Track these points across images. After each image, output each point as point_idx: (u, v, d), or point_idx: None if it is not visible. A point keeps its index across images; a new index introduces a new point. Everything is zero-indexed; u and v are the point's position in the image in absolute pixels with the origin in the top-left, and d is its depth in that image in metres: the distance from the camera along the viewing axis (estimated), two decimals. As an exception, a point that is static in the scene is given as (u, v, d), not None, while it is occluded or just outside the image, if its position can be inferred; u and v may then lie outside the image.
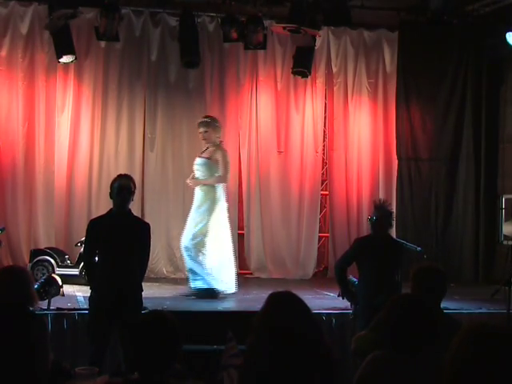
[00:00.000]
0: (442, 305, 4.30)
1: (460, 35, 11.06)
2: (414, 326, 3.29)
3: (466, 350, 2.38)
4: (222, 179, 8.72)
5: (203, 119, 9.01)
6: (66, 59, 9.70)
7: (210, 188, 8.59)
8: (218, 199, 8.65)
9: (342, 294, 6.86)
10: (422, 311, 3.35)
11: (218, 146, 8.81)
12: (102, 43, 10.21)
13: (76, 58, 9.78)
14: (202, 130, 8.80)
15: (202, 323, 6.97)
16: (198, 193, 8.67)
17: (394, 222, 6.87)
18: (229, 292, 8.70)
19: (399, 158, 11.19)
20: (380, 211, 6.52)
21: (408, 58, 11.15)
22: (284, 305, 3.20)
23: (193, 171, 8.83)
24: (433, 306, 3.65)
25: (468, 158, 11.28)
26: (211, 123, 8.84)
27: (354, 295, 6.64)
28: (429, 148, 11.29)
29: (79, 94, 10.41)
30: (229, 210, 9.07)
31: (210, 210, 8.58)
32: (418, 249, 8.48)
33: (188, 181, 8.83)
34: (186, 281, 10.23)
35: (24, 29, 10.17)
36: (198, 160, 8.82)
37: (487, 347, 2.35)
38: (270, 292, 3.38)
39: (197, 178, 8.76)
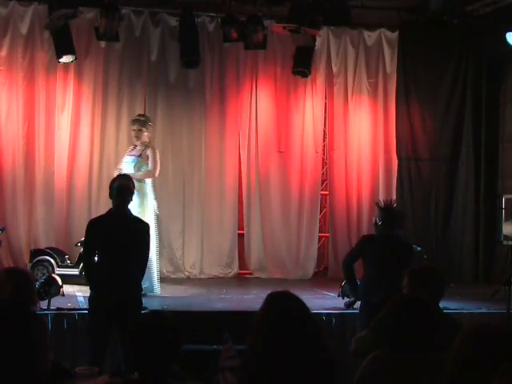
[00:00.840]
0: (442, 305, 4.30)
1: (460, 35, 11.06)
2: (414, 326, 3.29)
3: (466, 350, 2.38)
4: (151, 174, 8.65)
5: (138, 117, 9.02)
6: (66, 59, 9.70)
7: (139, 183, 8.31)
8: (147, 194, 8.58)
9: (350, 290, 6.94)
10: (422, 311, 3.35)
11: (149, 144, 8.81)
12: (102, 43, 10.21)
13: (76, 58, 9.78)
14: (135, 127, 8.76)
15: (201, 323, 6.96)
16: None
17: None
18: (150, 294, 8.44)
19: (399, 158, 11.18)
20: (384, 212, 6.50)
21: (408, 58, 11.15)
22: (283, 305, 3.19)
23: (120, 169, 8.50)
24: (432, 307, 3.64)
25: (468, 158, 11.27)
26: (146, 122, 8.85)
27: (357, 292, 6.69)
28: (429, 148, 11.29)
29: (79, 94, 10.41)
30: (159, 208, 8.93)
31: (142, 206, 8.43)
32: (418, 249, 8.51)
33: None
34: (186, 281, 10.29)
35: (24, 29, 10.16)
36: (127, 158, 8.73)
37: (488, 347, 2.35)
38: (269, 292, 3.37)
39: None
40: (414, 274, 4.28)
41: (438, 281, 4.28)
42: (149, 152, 8.72)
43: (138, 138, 8.73)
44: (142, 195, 8.44)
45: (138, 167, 8.61)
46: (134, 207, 8.15)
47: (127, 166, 8.61)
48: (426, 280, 4.20)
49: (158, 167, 8.81)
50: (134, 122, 8.86)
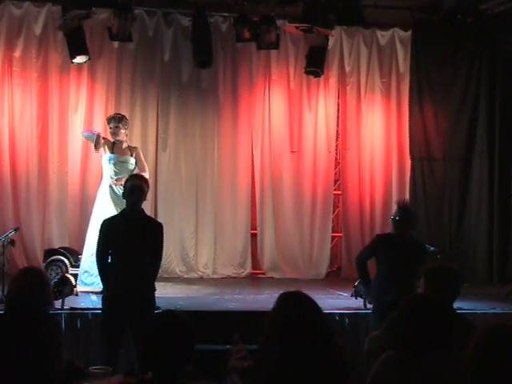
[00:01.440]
0: (456, 305, 4.28)
1: (474, 34, 11.02)
2: (428, 327, 3.28)
3: (481, 351, 2.37)
4: (147, 174, 8.43)
5: (115, 115, 8.95)
6: (79, 59, 9.72)
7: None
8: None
9: (364, 288, 6.94)
10: (436, 311, 3.34)
11: (128, 143, 8.82)
12: (115, 43, 10.23)
13: (89, 59, 9.80)
14: (112, 125, 8.69)
15: (215, 323, 6.96)
16: (114, 196, 8.46)
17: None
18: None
19: (412, 158, 11.15)
20: (403, 212, 6.50)
21: (421, 57, 11.11)
22: (295, 305, 3.19)
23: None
24: (446, 307, 3.63)
25: (482, 157, 11.22)
26: (122, 119, 8.80)
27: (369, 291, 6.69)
28: (442, 147, 11.24)
29: (92, 94, 10.44)
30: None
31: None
32: (432, 249, 8.46)
33: (114, 181, 8.51)
34: (199, 281, 10.29)
35: (38, 29, 10.20)
36: (119, 157, 8.62)
37: (503, 348, 2.34)
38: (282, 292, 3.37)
39: (119, 175, 8.52)
40: (430, 274, 4.27)
41: (455, 280, 4.26)
42: (136, 151, 8.76)
43: (114, 134, 8.65)
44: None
45: (128, 169, 8.59)
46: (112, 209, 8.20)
47: (122, 167, 8.58)
48: (442, 279, 4.18)
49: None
50: (110, 119, 8.79)
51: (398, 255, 6.33)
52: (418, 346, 3.27)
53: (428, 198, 11.16)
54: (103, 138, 8.74)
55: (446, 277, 4.23)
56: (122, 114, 9.13)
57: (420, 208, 10.92)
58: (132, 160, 8.66)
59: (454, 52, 11.16)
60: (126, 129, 8.77)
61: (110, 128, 8.71)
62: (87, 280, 8.39)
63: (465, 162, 11.26)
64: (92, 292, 8.13)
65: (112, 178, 8.56)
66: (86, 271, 8.45)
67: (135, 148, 8.90)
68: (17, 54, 10.15)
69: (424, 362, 3.23)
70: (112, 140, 8.69)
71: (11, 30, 10.12)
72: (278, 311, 3.18)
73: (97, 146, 8.68)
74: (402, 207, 6.60)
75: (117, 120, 8.73)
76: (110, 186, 8.56)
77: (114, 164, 8.58)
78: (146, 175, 8.03)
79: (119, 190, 8.18)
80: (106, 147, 8.67)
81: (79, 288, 8.28)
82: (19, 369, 3.71)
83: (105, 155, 8.68)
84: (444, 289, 4.11)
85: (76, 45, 9.56)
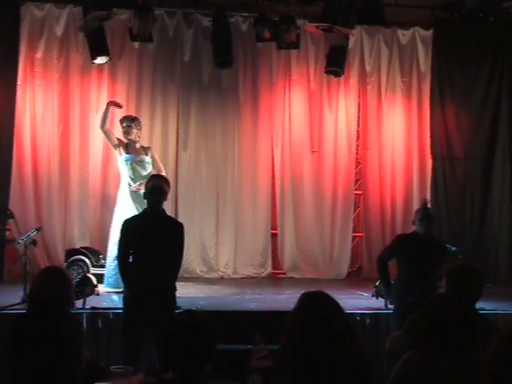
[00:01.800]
0: (478, 305, 4.25)
1: (496, 32, 10.94)
2: (450, 327, 3.26)
3: (503, 351, 2.35)
4: (164, 174, 8.36)
5: (128, 115, 9.05)
6: (100, 60, 9.77)
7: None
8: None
9: (384, 289, 6.91)
10: (458, 312, 3.31)
11: (140, 143, 8.86)
12: (136, 44, 10.28)
13: (110, 59, 9.85)
14: (125, 124, 8.76)
15: (235, 323, 6.96)
16: (135, 196, 8.50)
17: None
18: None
19: (433, 157, 11.09)
20: (426, 212, 6.50)
21: (443, 57, 11.05)
22: (316, 304, 3.18)
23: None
24: (468, 307, 3.61)
25: (504, 156, 11.14)
26: (135, 119, 8.88)
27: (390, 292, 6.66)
28: (464, 147, 11.17)
29: (113, 95, 10.48)
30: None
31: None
32: (454, 249, 8.42)
33: (136, 186, 8.52)
34: (219, 281, 10.30)
35: (59, 31, 10.27)
36: (135, 157, 8.68)
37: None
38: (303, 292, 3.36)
39: (137, 174, 8.63)
40: (453, 274, 4.24)
41: (477, 281, 4.23)
42: (152, 152, 8.87)
43: (127, 133, 8.74)
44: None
45: (147, 170, 8.69)
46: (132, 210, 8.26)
47: (144, 168, 8.67)
48: (465, 280, 4.16)
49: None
50: (123, 119, 8.88)
51: (419, 255, 6.31)
52: (440, 347, 3.25)
53: (449, 197, 11.10)
54: (117, 138, 8.81)
55: (468, 277, 4.21)
56: (135, 115, 9.26)
57: (441, 208, 10.87)
58: (148, 159, 8.74)
59: (475, 51, 11.08)
60: (138, 129, 8.83)
61: (123, 127, 8.78)
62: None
63: (486, 161, 11.18)
64: (114, 292, 8.17)
65: (131, 177, 8.61)
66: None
67: (149, 148, 8.98)
68: (38, 55, 10.23)
69: (446, 363, 3.21)
70: (125, 141, 8.76)
71: (33, 31, 10.21)
72: (299, 311, 3.18)
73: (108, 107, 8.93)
74: (424, 207, 6.58)
75: (129, 120, 8.82)
76: (128, 184, 8.61)
77: (131, 164, 8.65)
78: (164, 171, 8.24)
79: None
80: (121, 148, 8.74)
81: (105, 289, 8.34)
82: (41, 367, 3.74)
83: (120, 157, 8.75)
84: (466, 289, 4.09)
85: (97, 46, 9.61)
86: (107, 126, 8.96)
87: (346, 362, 3.06)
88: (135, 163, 8.67)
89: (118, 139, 8.81)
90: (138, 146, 8.79)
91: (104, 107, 9.12)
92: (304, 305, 3.20)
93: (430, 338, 3.29)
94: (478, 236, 11.09)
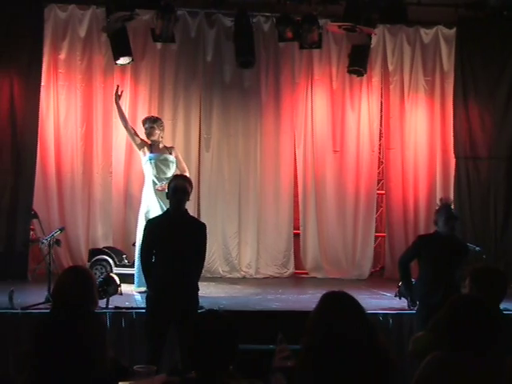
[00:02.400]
0: (502, 306, 4.23)
1: (520, 31, 10.85)
2: (474, 327, 3.24)
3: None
4: (188, 174, 8.34)
5: (150, 116, 9.12)
6: (122, 61, 9.81)
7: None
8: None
9: (405, 290, 6.87)
10: (482, 312, 3.30)
11: (163, 143, 8.90)
12: (158, 44, 10.31)
13: (133, 60, 9.88)
14: (147, 125, 8.81)
15: (258, 323, 6.97)
16: (160, 194, 8.46)
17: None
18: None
19: (457, 157, 11.01)
20: (449, 212, 6.47)
21: (466, 55, 10.96)
22: (337, 305, 3.18)
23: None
24: (492, 308, 3.59)
25: (528, 156, 11.05)
26: (157, 120, 8.91)
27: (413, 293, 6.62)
28: (487, 146, 11.08)
29: (136, 95, 10.54)
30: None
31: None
32: (477, 249, 8.36)
33: (162, 186, 8.45)
34: (242, 280, 10.31)
35: (82, 32, 10.33)
36: (159, 155, 8.73)
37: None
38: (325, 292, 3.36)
39: (161, 173, 8.67)
40: (477, 275, 4.22)
41: (501, 281, 4.21)
42: (175, 152, 8.94)
43: (150, 135, 8.79)
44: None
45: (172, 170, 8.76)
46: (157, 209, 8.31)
47: (170, 168, 8.73)
48: (489, 281, 4.14)
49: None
50: (145, 120, 8.94)
51: (441, 255, 6.28)
52: (464, 347, 3.24)
53: (473, 197, 11.01)
54: (141, 139, 8.85)
55: (492, 278, 4.19)
56: (157, 116, 9.30)
57: (465, 207, 10.79)
58: (171, 158, 8.79)
59: (499, 49, 10.98)
60: (160, 130, 8.87)
61: (146, 129, 8.83)
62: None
63: (510, 161, 11.08)
64: (139, 292, 8.21)
65: (155, 176, 8.64)
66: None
67: (172, 148, 9.05)
68: (62, 56, 10.29)
69: (470, 363, 3.20)
70: (149, 142, 8.80)
71: (56, 32, 10.27)
72: (320, 311, 3.18)
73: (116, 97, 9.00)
74: (447, 208, 6.54)
75: (152, 121, 8.87)
76: (153, 182, 8.64)
77: (155, 163, 8.69)
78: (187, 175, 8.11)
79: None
80: (145, 148, 8.78)
81: (136, 289, 8.38)
82: (64, 367, 3.76)
83: (144, 157, 8.79)
84: (490, 289, 4.07)
85: (119, 46, 9.66)
86: (129, 123, 9.02)
87: (367, 363, 3.05)
88: (159, 162, 8.71)
89: (142, 140, 8.86)
90: (161, 145, 8.84)
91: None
92: (325, 305, 3.19)
93: (453, 338, 3.27)
94: (502, 236, 10.99)
